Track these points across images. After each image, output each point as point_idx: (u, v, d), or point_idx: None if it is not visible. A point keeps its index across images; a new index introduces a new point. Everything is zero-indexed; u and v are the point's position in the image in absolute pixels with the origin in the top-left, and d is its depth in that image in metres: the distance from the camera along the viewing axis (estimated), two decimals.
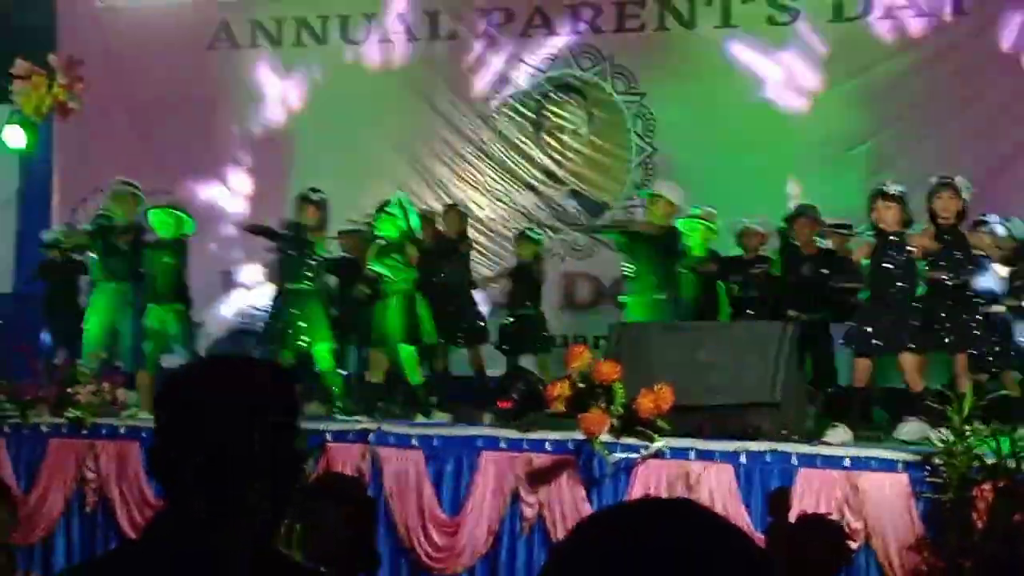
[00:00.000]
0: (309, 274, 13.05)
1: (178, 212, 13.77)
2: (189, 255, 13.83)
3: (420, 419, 12.41)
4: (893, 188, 11.00)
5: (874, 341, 10.81)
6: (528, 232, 14.99)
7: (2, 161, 18.18)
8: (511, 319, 14.54)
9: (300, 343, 12.90)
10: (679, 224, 13.20)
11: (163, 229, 13.59)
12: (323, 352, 12.92)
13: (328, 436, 11.06)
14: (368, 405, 12.71)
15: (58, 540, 11.73)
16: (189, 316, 13.91)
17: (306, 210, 13.16)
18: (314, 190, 13.28)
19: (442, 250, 14.36)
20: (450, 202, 15.56)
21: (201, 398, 2.73)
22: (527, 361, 14.24)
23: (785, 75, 16.03)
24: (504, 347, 14.45)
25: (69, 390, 11.97)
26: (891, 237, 10.91)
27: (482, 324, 14.47)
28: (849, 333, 11.16)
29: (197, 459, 2.67)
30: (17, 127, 17.18)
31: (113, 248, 13.38)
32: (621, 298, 13.55)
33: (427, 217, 14.33)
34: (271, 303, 13.50)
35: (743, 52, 16.14)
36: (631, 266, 13.03)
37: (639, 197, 14.40)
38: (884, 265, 10.92)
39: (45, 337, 15.11)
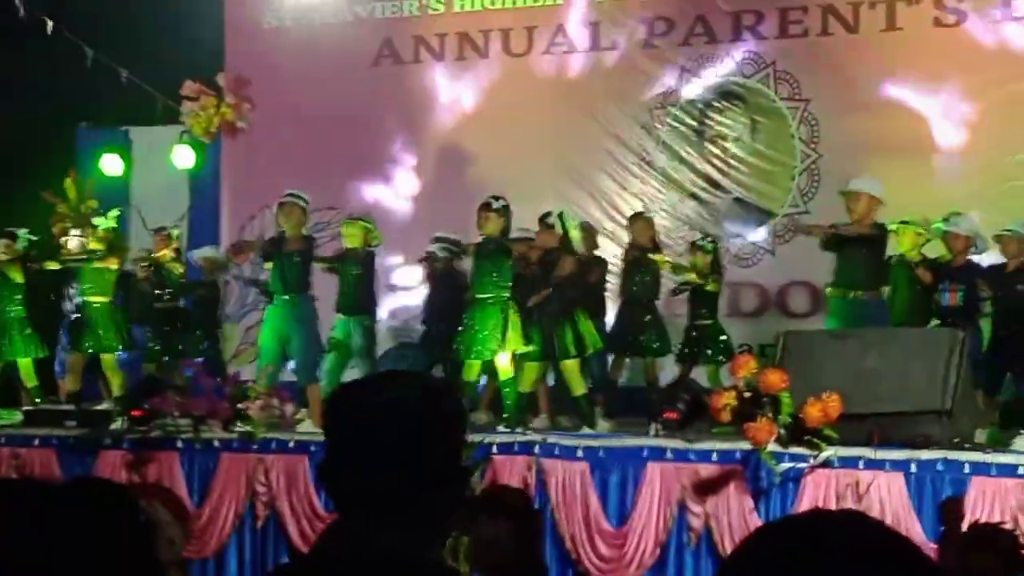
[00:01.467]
0: (500, 283, 12.99)
1: (367, 224, 13.91)
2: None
3: (585, 430, 12.38)
4: None
5: None
6: (699, 242, 14.82)
7: (173, 180, 18.57)
8: (691, 330, 14.42)
9: (484, 352, 12.82)
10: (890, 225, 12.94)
11: (352, 240, 13.74)
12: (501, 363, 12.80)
13: (494, 448, 11.10)
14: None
15: (230, 554, 11.89)
16: (374, 328, 14.01)
17: (488, 219, 13.05)
18: (496, 197, 13.18)
19: (632, 261, 14.35)
20: (638, 210, 15.49)
21: (371, 412, 2.76)
22: (697, 371, 14.18)
23: (950, 81, 15.78)
24: (683, 357, 14.33)
25: (240, 405, 12.13)
26: None
27: (665, 335, 14.34)
28: None
29: (367, 473, 2.69)
30: (187, 147, 17.56)
31: (286, 261, 13.46)
32: (828, 290, 13.21)
33: (586, 229, 14.32)
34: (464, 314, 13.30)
35: (907, 57, 15.93)
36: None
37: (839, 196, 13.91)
38: None
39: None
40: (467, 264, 13.65)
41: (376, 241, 13.92)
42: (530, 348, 12.81)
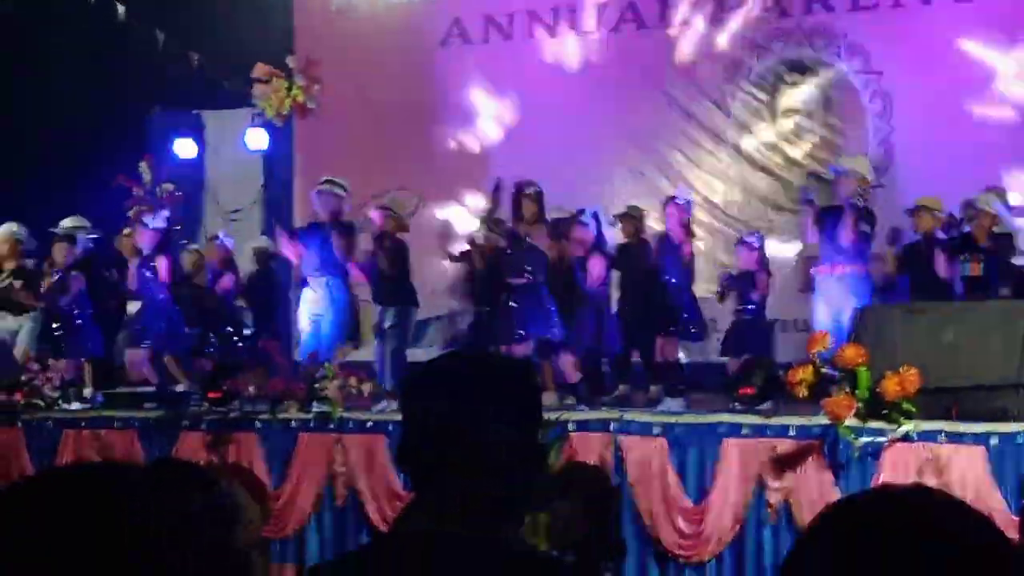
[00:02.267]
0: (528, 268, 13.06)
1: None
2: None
3: (662, 406, 12.39)
4: None
5: None
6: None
7: (246, 163, 18.67)
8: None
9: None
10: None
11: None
12: None
13: (570, 426, 11.09)
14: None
15: (310, 533, 11.93)
16: (411, 313, 14.19)
17: (523, 204, 13.26)
18: (529, 183, 13.32)
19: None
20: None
21: (447, 392, 2.76)
22: None
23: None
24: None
25: (317, 385, 12.18)
26: None
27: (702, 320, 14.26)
28: None
29: (444, 452, 2.70)
30: (259, 129, 17.64)
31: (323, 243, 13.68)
32: None
33: (631, 215, 14.30)
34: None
35: (978, 29, 15.77)
36: None
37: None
38: None
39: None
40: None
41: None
42: None
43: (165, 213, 15.09)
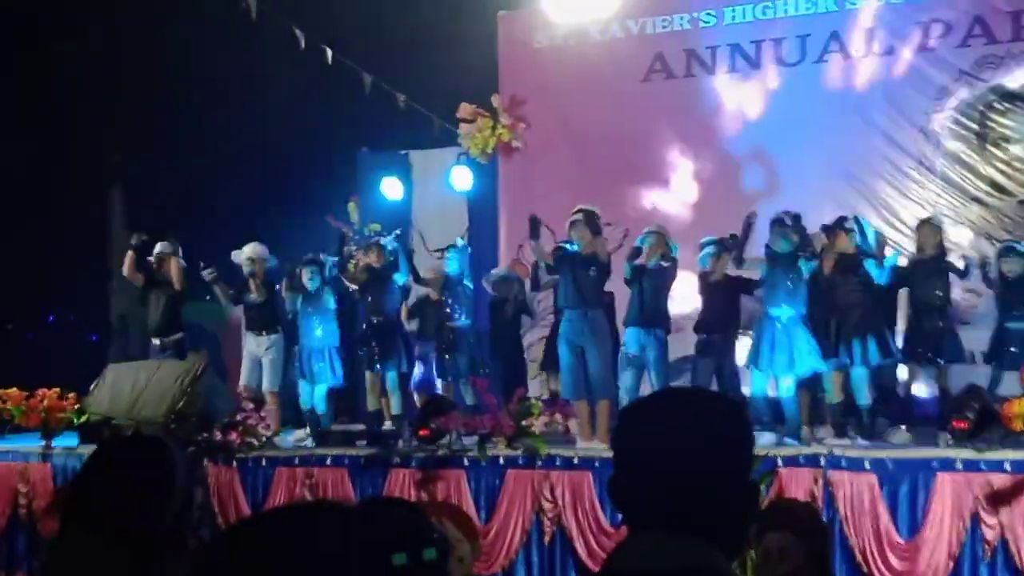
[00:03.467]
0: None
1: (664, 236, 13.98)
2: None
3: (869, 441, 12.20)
4: None
5: None
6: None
7: (451, 202, 18.86)
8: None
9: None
10: None
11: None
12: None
13: (779, 461, 11.01)
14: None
15: (519, 570, 11.99)
16: (667, 341, 13.93)
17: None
18: (787, 213, 13.15)
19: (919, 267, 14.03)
20: (924, 216, 15.03)
21: (662, 428, 2.78)
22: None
23: None
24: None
25: (524, 422, 12.25)
26: None
27: (957, 342, 13.90)
28: None
29: (659, 487, 2.71)
30: (464, 168, 17.84)
31: (580, 273, 13.56)
32: None
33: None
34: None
35: None
36: None
37: None
38: None
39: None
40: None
41: (673, 252, 13.97)
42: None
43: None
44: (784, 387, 12.65)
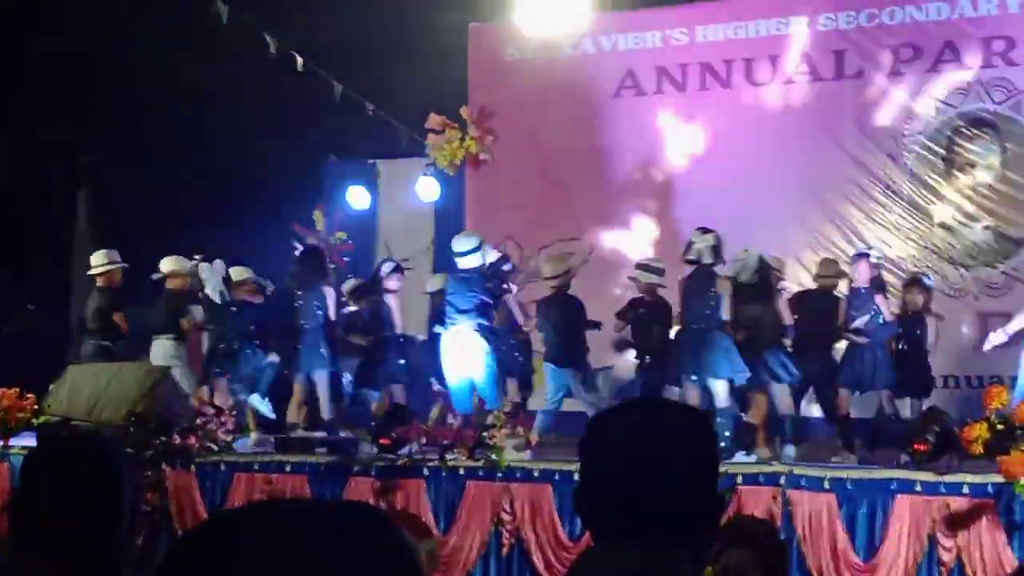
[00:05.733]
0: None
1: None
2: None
3: (832, 461, 12.24)
4: None
5: None
6: (919, 277, 14.41)
7: (418, 213, 18.86)
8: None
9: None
10: None
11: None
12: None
13: (739, 479, 11.03)
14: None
15: None
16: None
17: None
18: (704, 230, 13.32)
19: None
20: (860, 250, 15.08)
21: (623, 439, 2.76)
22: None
23: None
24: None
25: (484, 434, 12.24)
26: None
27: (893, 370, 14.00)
28: None
29: (626, 499, 2.70)
30: (431, 179, 17.84)
31: None
32: None
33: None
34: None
35: None
36: None
37: None
38: None
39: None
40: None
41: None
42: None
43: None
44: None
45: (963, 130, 16.58)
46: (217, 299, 14.92)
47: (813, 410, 14.37)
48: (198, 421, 13.37)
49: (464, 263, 13.75)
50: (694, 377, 12.83)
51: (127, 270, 15.48)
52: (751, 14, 17.76)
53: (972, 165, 16.57)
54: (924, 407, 13.01)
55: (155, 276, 15.28)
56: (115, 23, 16.92)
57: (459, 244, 13.92)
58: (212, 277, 14.98)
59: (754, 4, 17.86)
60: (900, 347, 13.92)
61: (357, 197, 18.89)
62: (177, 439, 13.13)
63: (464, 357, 13.54)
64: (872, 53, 17.03)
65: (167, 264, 15.28)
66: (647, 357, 14.25)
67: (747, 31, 17.74)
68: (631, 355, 14.55)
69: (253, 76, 17.25)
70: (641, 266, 14.86)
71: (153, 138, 18.33)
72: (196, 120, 17.91)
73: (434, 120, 16.87)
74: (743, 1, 17.95)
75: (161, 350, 15.06)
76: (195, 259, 15.14)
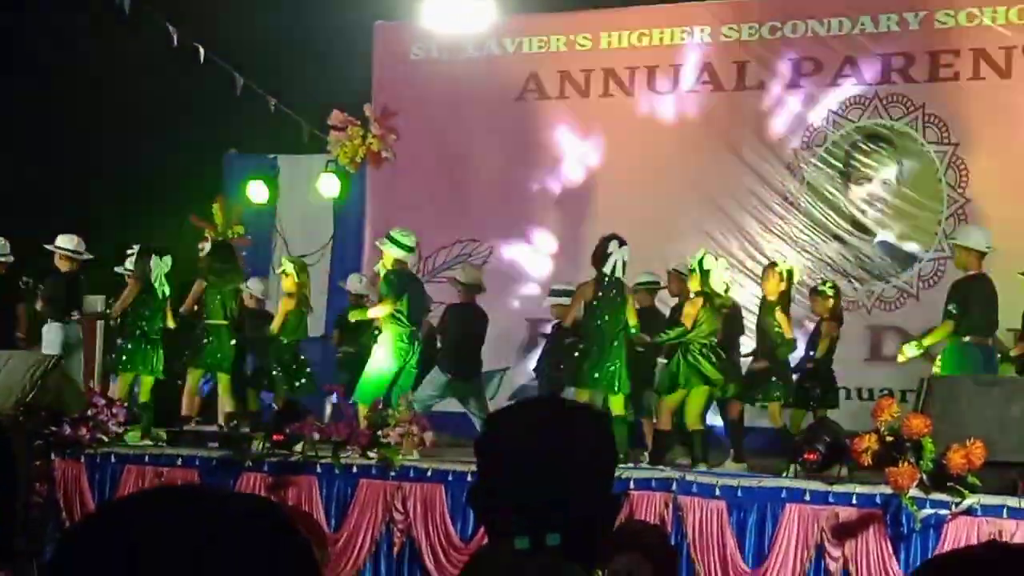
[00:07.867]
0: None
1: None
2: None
3: (725, 469, 12.34)
4: None
5: None
6: (820, 287, 14.54)
7: (317, 209, 18.77)
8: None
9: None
10: None
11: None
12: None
13: (631, 483, 11.06)
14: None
15: None
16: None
17: None
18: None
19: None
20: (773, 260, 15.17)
21: (519, 437, 2.76)
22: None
23: None
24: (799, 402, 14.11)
25: (379, 432, 12.20)
26: None
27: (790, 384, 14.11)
28: None
29: (516, 497, 2.69)
30: (332, 176, 17.76)
31: None
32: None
33: (678, 273, 14.32)
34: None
35: None
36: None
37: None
38: None
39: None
40: None
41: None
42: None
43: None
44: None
45: (860, 144, 16.77)
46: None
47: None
48: (89, 412, 13.22)
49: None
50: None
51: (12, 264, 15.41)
52: (655, 22, 17.84)
53: (868, 179, 16.76)
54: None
55: (48, 247, 15.11)
56: (14, 10, 16.72)
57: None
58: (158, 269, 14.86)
59: (658, 13, 17.94)
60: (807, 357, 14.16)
61: (256, 191, 18.72)
62: (67, 429, 12.98)
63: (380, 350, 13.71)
64: (773, 65, 17.19)
65: (65, 241, 15.11)
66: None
67: (651, 39, 17.83)
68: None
69: (155, 67, 17.09)
70: (554, 292, 15.18)
71: (47, 126, 18.11)
72: (95, 109, 17.72)
73: (336, 117, 16.75)
74: (647, 9, 18.03)
75: (53, 334, 14.92)
76: (131, 250, 15.01)
